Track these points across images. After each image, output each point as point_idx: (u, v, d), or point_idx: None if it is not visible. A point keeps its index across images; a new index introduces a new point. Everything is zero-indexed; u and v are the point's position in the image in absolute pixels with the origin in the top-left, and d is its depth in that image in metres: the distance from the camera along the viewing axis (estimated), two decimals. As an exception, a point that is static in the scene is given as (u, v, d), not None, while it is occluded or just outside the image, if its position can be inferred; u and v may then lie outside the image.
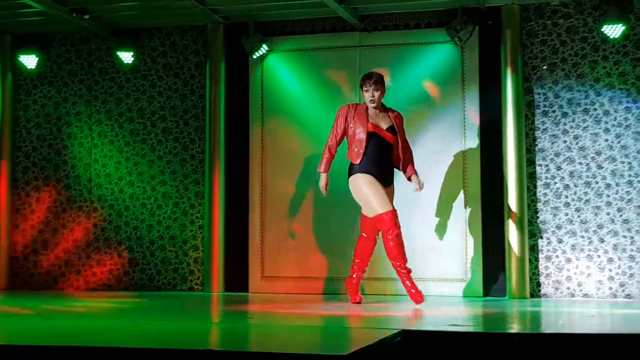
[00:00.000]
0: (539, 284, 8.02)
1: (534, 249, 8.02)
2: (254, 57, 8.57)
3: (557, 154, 8.08)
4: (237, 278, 8.56)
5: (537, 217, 8.06)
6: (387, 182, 7.04)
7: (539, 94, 8.15)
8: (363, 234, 7.14)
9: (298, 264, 8.46)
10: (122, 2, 8.22)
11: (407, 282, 6.90)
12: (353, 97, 8.41)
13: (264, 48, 8.55)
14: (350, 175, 7.05)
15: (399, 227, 6.86)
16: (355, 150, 6.98)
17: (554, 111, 8.12)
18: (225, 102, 8.65)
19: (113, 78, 9.11)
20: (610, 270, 7.90)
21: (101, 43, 9.14)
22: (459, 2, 8.06)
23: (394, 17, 8.43)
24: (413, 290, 6.89)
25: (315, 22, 8.59)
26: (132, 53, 8.83)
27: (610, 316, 6.42)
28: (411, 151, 7.25)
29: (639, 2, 7.78)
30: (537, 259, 8.03)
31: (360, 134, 6.97)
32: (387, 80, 8.33)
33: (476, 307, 7.08)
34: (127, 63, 8.89)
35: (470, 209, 8.12)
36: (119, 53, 8.84)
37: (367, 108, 7.09)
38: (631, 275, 7.84)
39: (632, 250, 7.85)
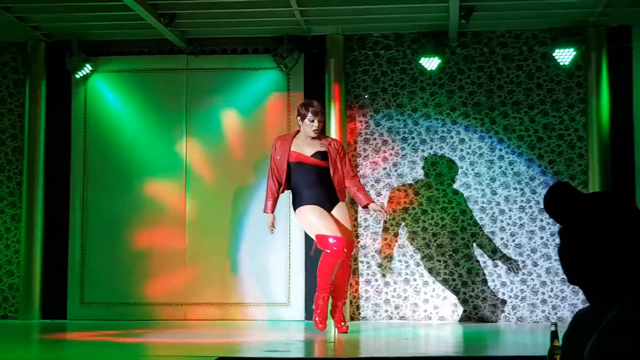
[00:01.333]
0: (358, 307, 8.26)
1: (355, 273, 8.26)
2: (77, 76, 8.34)
3: (378, 180, 8.36)
4: (55, 304, 8.26)
5: (358, 242, 8.30)
6: (330, 205, 6.76)
7: (360, 121, 8.42)
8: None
9: (120, 290, 8.27)
10: None
11: None
12: (180, 120, 8.39)
13: (88, 68, 8.34)
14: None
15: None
16: (279, 181, 6.81)
17: (374, 139, 8.41)
18: (45, 122, 8.35)
19: None
20: (425, 293, 8.24)
21: None
22: (285, 29, 8.21)
23: (222, 42, 8.46)
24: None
25: (141, 43, 8.47)
26: (-55, 69, 8.39)
27: (425, 338, 6.69)
28: (357, 179, 6.96)
29: (454, 37, 8.22)
30: (357, 282, 8.27)
31: (282, 165, 6.78)
32: (215, 104, 8.39)
33: (297, 331, 7.19)
34: (-60, 79, 8.44)
35: (293, 233, 8.24)
36: None
37: (294, 136, 6.84)
38: (445, 298, 8.21)
39: (445, 273, 8.24)
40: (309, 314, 8.16)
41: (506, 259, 8.15)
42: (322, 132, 6.99)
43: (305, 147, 6.82)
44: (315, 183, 6.76)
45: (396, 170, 8.35)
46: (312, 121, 6.75)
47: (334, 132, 8.18)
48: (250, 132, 8.35)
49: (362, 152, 8.38)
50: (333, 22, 8.14)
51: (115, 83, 8.45)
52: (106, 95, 8.48)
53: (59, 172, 8.39)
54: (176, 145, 8.39)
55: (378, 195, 8.32)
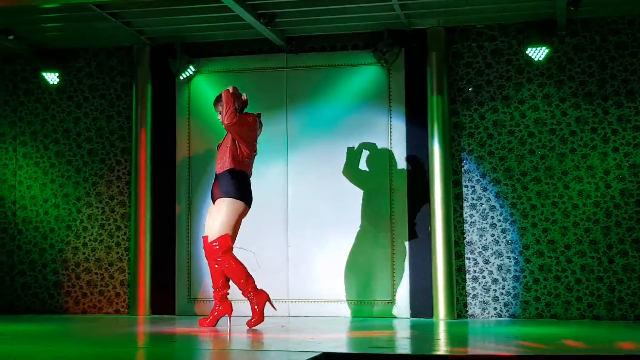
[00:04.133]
0: (465, 305, 8.06)
1: (460, 270, 8.06)
2: (181, 78, 8.53)
3: (483, 175, 8.14)
4: (163, 300, 8.46)
5: (464, 238, 8.10)
6: (214, 199, 6.81)
7: (464, 115, 8.22)
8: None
9: (226, 286, 8.37)
10: (46, 23, 8.13)
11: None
12: (280, 118, 8.41)
13: (191, 69, 8.51)
14: None
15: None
16: None
17: (479, 133, 8.19)
18: (151, 123, 8.58)
19: (38, 99, 8.98)
20: (536, 290, 7.96)
21: (26, 64, 9.02)
22: (385, 24, 8.11)
23: (321, 39, 8.46)
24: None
25: (242, 43, 8.58)
26: (57, 74, 8.72)
27: (534, 337, 6.45)
28: (225, 151, 6.70)
29: (562, 26, 7.92)
30: (464, 280, 8.07)
31: None
32: (314, 101, 8.37)
33: (402, 328, 7.07)
34: (53, 84, 8.78)
35: (397, 230, 8.13)
36: (44, 74, 8.74)
37: None
38: (557, 295, 7.91)
39: (557, 270, 7.93)
40: (414, 311, 8.04)
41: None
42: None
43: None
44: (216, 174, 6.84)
45: (503, 165, 8.11)
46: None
47: (436, 126, 8.03)
48: (351, 128, 8.29)
49: (466, 146, 8.18)
50: (434, 15, 7.98)
51: (218, 83, 8.53)
52: (209, 95, 8.57)
53: (165, 171, 8.59)
54: (277, 144, 8.41)
55: (484, 191, 8.10)
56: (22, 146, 8.97)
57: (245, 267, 6.69)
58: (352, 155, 8.26)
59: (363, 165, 8.27)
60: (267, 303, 6.70)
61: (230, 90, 6.71)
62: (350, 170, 8.25)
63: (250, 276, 6.69)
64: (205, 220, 7.01)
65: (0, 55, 9.02)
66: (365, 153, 8.26)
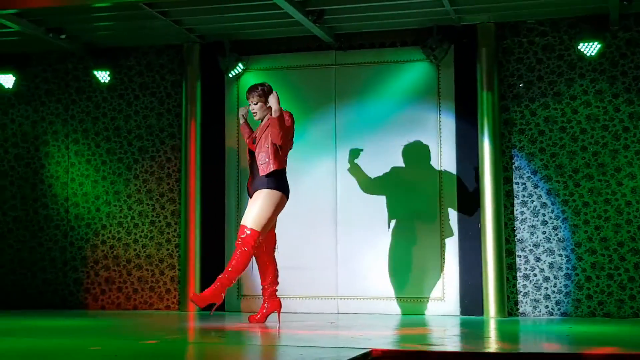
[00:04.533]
0: (516, 303, 7.97)
1: (511, 268, 7.98)
2: (230, 76, 8.57)
3: (535, 172, 8.05)
4: (213, 297, 8.50)
5: (515, 236, 8.02)
6: (251, 193, 6.83)
7: (515, 112, 8.13)
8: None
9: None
10: (98, 22, 8.24)
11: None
12: (329, 116, 8.41)
13: (240, 67, 8.56)
14: None
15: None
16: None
17: (530, 129, 8.10)
18: (201, 120, 8.64)
19: (90, 97, 9.11)
20: (588, 288, 7.85)
21: (78, 62, 9.14)
22: (434, 20, 8.06)
23: (370, 36, 8.43)
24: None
25: (290, 40, 8.59)
26: (108, 72, 8.82)
27: (586, 335, 6.37)
28: (268, 152, 6.67)
29: (615, 20, 7.80)
30: (514, 278, 7.98)
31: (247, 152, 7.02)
32: (363, 98, 8.36)
33: (452, 325, 7.03)
34: (104, 82, 8.88)
35: (446, 227, 8.09)
36: (95, 72, 8.84)
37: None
38: (610, 293, 7.79)
39: (610, 268, 7.81)
40: (464, 309, 7.98)
41: None
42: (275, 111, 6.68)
43: (259, 132, 6.86)
44: (251, 170, 6.85)
45: (554, 161, 8.01)
46: (250, 104, 6.87)
47: (486, 123, 7.96)
48: (400, 125, 8.25)
49: (517, 143, 8.09)
50: (484, 11, 7.91)
51: (267, 81, 8.41)
52: (258, 92, 8.63)
53: (214, 168, 8.64)
54: (326, 141, 8.41)
55: (535, 188, 8.01)
56: (74, 144, 9.11)
57: (244, 271, 6.71)
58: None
59: (412, 164, 8.23)
60: (215, 305, 6.74)
61: (280, 112, 6.68)
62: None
63: (238, 280, 6.80)
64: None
65: (52, 54, 9.17)
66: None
